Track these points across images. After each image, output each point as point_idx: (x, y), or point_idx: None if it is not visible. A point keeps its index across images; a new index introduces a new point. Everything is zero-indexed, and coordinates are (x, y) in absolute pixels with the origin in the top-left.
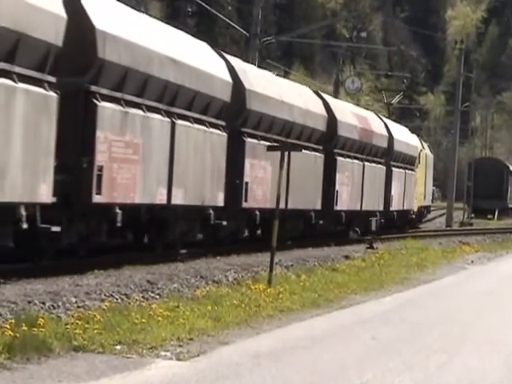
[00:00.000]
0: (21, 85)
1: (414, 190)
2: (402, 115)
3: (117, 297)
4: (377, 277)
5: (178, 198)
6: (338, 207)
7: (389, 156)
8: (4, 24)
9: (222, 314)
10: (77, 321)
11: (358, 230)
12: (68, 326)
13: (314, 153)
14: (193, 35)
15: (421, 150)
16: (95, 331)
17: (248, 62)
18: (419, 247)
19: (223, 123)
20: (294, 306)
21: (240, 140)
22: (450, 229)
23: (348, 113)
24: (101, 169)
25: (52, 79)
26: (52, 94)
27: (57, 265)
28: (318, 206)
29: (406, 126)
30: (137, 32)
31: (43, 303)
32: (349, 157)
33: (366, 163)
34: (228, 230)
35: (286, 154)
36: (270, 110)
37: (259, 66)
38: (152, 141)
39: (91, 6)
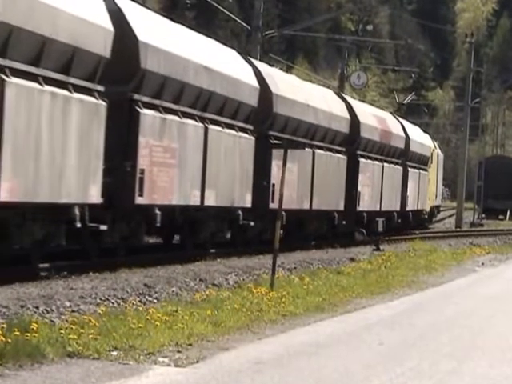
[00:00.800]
0: (75, 95)
1: (427, 189)
2: (409, 111)
3: (113, 301)
4: (383, 280)
5: (210, 200)
6: (360, 208)
7: (405, 156)
8: (62, 39)
9: (222, 319)
10: (71, 326)
11: (363, 231)
12: (62, 331)
13: (337, 155)
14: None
15: (433, 150)
16: (90, 336)
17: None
18: (428, 249)
19: (251, 127)
20: (298, 311)
21: (268, 143)
22: (460, 230)
23: (369, 115)
24: (142, 172)
25: (101, 88)
26: (101, 102)
27: (51, 267)
28: (341, 207)
29: (414, 123)
30: (174, 42)
31: (36, 307)
32: (370, 158)
33: (385, 164)
34: (255, 231)
35: (310, 155)
36: (295, 114)
37: (261, 60)
38: (187, 145)
39: (134, 19)
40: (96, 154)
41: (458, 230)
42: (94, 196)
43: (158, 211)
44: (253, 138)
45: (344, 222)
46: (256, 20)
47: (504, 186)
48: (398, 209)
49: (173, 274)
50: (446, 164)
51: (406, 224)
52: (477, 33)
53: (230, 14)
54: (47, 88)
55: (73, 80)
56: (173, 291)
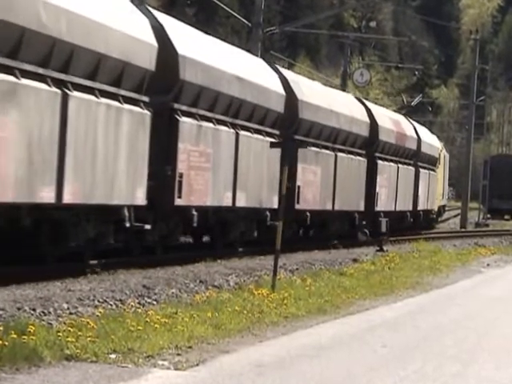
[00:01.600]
0: (125, 105)
1: (436, 189)
2: (413, 110)
3: (111, 303)
4: (387, 281)
5: (241, 201)
6: (378, 208)
7: (417, 157)
8: (114, 55)
9: (222, 321)
10: (69, 328)
11: (366, 231)
12: (60, 334)
13: (357, 157)
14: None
15: (440, 151)
16: (88, 339)
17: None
18: (432, 249)
19: (277, 132)
20: (300, 312)
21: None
22: (465, 230)
23: (386, 118)
24: (181, 175)
25: (146, 99)
26: (147, 112)
27: (47, 269)
28: (362, 208)
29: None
30: (209, 54)
31: (33, 309)
32: (386, 160)
33: (400, 165)
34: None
35: (332, 158)
36: (319, 119)
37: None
38: (220, 150)
39: (174, 34)
40: (142, 160)
41: (463, 230)
42: (140, 198)
43: (194, 212)
44: None
45: (364, 222)
46: (257, 17)
47: (510, 185)
48: (410, 208)
49: (172, 275)
50: (450, 163)
51: (418, 223)
52: (482, 29)
53: (231, 11)
54: (102, 100)
55: (123, 92)
56: (172, 293)
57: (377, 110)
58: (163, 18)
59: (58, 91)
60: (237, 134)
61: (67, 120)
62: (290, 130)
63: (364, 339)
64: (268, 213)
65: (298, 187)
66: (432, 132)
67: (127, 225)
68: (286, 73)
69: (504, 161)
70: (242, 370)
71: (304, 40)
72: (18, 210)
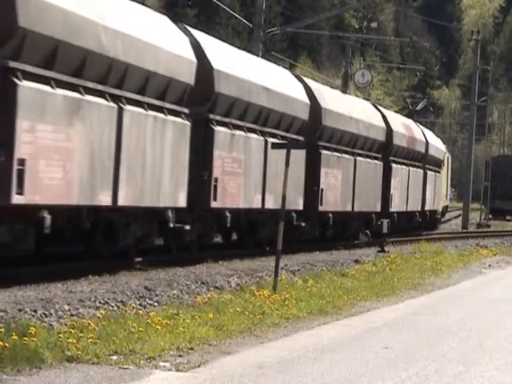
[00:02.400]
0: (169, 117)
1: (441, 191)
2: (414, 110)
3: (112, 304)
4: (388, 282)
5: (269, 203)
6: (392, 209)
7: (424, 160)
8: (161, 72)
9: (224, 322)
10: (70, 330)
11: (368, 232)
12: (61, 336)
13: (374, 161)
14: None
15: (444, 153)
16: (89, 341)
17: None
18: (434, 250)
19: (302, 138)
20: (301, 314)
21: (317, 152)
22: (467, 231)
23: (399, 123)
24: (216, 180)
25: (186, 111)
26: (187, 122)
27: (49, 270)
28: (378, 209)
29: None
30: (240, 67)
31: (35, 311)
32: (399, 163)
33: (411, 168)
34: (306, 230)
35: (352, 162)
36: (341, 125)
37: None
38: (251, 156)
39: (209, 50)
40: (183, 166)
41: (465, 231)
42: (181, 201)
43: (228, 213)
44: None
45: (379, 223)
46: (258, 17)
47: (511, 186)
48: (419, 209)
49: (174, 276)
50: (452, 164)
51: (425, 223)
52: (483, 30)
53: (232, 12)
54: (150, 113)
55: (167, 105)
56: (174, 294)
57: (390, 115)
58: (199, 36)
59: (115, 105)
60: (266, 141)
61: (122, 131)
62: (314, 136)
63: (365, 340)
64: (294, 214)
65: (322, 190)
66: (436, 135)
67: (171, 225)
68: (310, 82)
69: (505, 162)
70: (243, 371)
71: (305, 41)
72: (79, 212)
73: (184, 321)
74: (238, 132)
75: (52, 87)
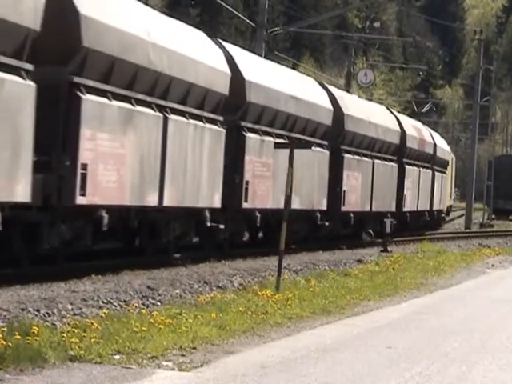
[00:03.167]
0: (207, 125)
1: (446, 191)
2: (420, 113)
3: (115, 303)
4: (391, 282)
5: (296, 204)
6: (405, 208)
7: (433, 161)
8: (201, 83)
9: (227, 322)
10: (73, 329)
11: (371, 231)
12: (64, 335)
13: (390, 163)
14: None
15: (449, 154)
16: (92, 340)
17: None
18: (436, 250)
19: (326, 143)
20: (304, 313)
21: (339, 156)
22: (470, 231)
23: (411, 126)
24: (247, 183)
25: (221, 119)
26: (222, 129)
27: (52, 269)
28: (393, 209)
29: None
30: (269, 78)
31: (37, 310)
32: (411, 165)
33: (421, 169)
34: (328, 229)
35: (370, 165)
36: (361, 130)
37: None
38: (279, 160)
39: (241, 62)
40: (218, 170)
41: (468, 230)
42: (217, 202)
43: (258, 214)
44: (328, 152)
45: (395, 222)
46: (261, 17)
47: None
48: (428, 208)
49: (176, 276)
50: (455, 164)
51: (432, 221)
52: (486, 30)
53: (235, 11)
54: (191, 121)
55: (205, 114)
56: (176, 294)
57: (404, 119)
58: (232, 49)
59: (161, 115)
60: None
61: (167, 138)
62: (337, 140)
63: (368, 340)
64: (318, 214)
65: (344, 191)
66: (440, 135)
67: (208, 224)
68: (333, 90)
69: (508, 161)
70: (246, 370)
71: (308, 40)
72: (129, 211)
73: (187, 320)
74: (267, 138)
75: (109, 99)
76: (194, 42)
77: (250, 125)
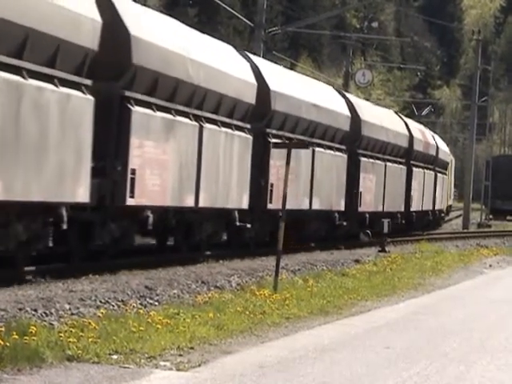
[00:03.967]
0: (236, 132)
1: (447, 191)
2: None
3: (113, 303)
4: (389, 282)
5: (316, 204)
6: (412, 208)
7: (435, 163)
8: (231, 94)
9: (224, 322)
10: (71, 329)
11: (369, 232)
12: (61, 335)
13: (400, 165)
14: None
15: (449, 155)
16: (90, 340)
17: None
18: (434, 250)
19: (344, 147)
20: (302, 313)
21: (357, 159)
22: (467, 231)
23: (417, 130)
24: (272, 185)
25: (248, 126)
26: (249, 136)
27: (50, 269)
28: (402, 208)
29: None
30: (291, 87)
31: (35, 310)
32: (417, 166)
33: (425, 170)
34: (346, 228)
35: (383, 167)
36: (375, 135)
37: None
38: (301, 164)
39: (267, 73)
40: (246, 174)
41: (465, 231)
42: (244, 203)
43: (281, 214)
44: (345, 156)
45: (403, 222)
46: (259, 17)
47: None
48: (431, 208)
49: (174, 275)
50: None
51: (434, 220)
52: (484, 30)
53: (233, 11)
54: (222, 129)
55: (235, 122)
56: (174, 293)
57: (411, 123)
58: (258, 61)
59: (197, 124)
60: (313, 151)
61: (202, 145)
62: (354, 144)
63: (366, 340)
64: (337, 214)
65: (360, 193)
66: (439, 136)
67: (237, 224)
68: (351, 97)
69: (506, 161)
70: (243, 370)
71: (306, 40)
72: (168, 212)
73: (184, 320)
74: None
75: (153, 110)
76: (224, 55)
77: (274, 131)
